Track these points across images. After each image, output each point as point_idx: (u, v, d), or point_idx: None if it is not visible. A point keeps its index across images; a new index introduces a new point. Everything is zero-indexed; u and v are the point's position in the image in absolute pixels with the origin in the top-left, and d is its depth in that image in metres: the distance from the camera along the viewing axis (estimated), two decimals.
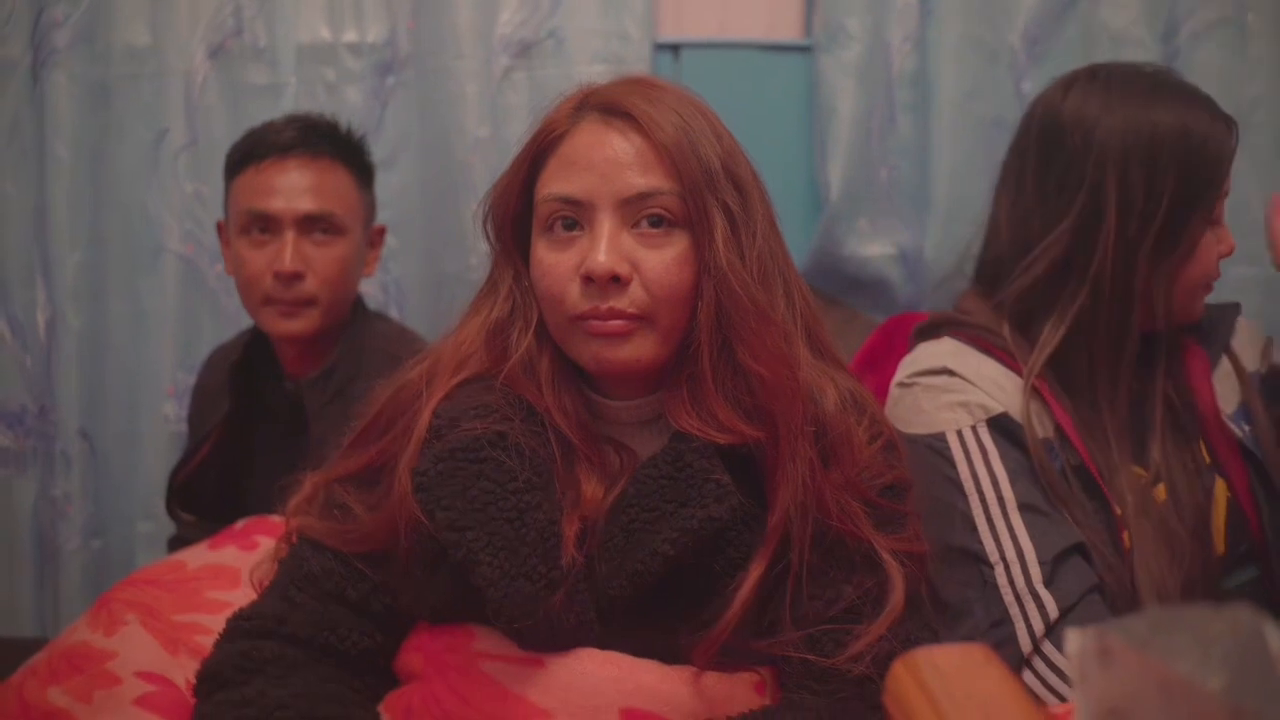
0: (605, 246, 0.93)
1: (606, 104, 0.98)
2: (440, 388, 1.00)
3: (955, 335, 1.25)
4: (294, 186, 1.57)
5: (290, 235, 1.56)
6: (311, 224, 1.57)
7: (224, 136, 1.94)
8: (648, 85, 1.01)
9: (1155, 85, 1.21)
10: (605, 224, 0.94)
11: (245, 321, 1.90)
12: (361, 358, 1.58)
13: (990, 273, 1.27)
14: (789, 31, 2.06)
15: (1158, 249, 1.17)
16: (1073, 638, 0.48)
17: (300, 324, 1.58)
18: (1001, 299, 1.23)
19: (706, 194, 0.94)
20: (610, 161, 0.95)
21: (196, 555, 1.40)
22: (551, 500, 0.95)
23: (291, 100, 1.93)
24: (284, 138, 1.59)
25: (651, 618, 0.95)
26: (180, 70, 1.94)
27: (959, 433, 1.16)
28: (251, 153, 1.59)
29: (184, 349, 1.96)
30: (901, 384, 1.24)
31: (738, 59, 2.01)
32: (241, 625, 1.01)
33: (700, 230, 0.95)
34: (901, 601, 0.94)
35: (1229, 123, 1.22)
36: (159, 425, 1.95)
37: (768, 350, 0.94)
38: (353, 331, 1.63)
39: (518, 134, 1.86)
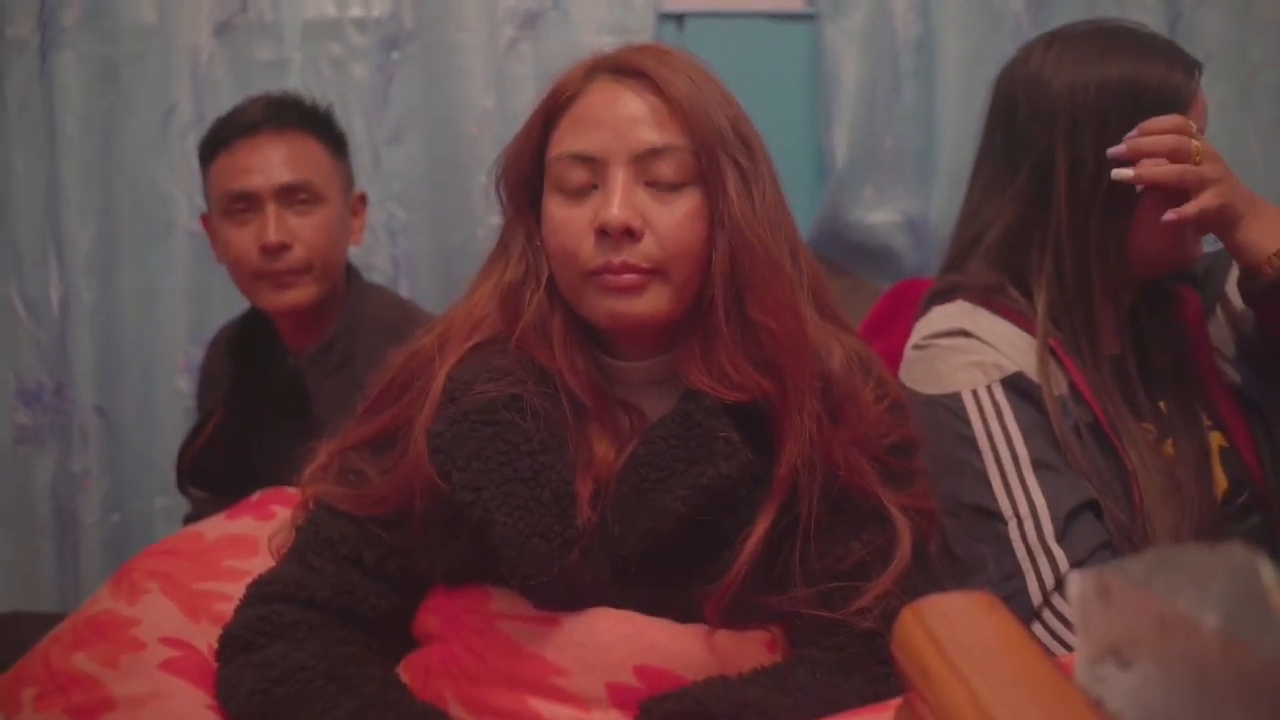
0: (619, 200, 0.95)
1: (619, 65, 1.00)
2: (454, 352, 1.01)
3: (968, 298, 1.25)
4: (267, 161, 1.58)
5: (271, 208, 1.57)
6: (290, 194, 1.59)
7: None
8: (658, 49, 1.03)
9: (1108, 40, 1.20)
10: (619, 179, 0.96)
11: None
12: (360, 329, 1.60)
13: (963, 247, 1.29)
14: (793, 0, 2.06)
15: (1108, 211, 1.17)
16: (1073, 579, 0.50)
17: (295, 294, 1.60)
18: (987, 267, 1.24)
19: (719, 150, 0.96)
20: (623, 118, 0.96)
21: (214, 526, 1.42)
22: (565, 461, 0.96)
23: (298, 76, 1.94)
24: (249, 117, 1.61)
25: (664, 575, 0.97)
26: (187, 47, 1.95)
27: (974, 392, 1.17)
28: (221, 138, 1.61)
29: (196, 323, 1.97)
30: (917, 346, 1.25)
31: (742, 28, 2.01)
32: (262, 590, 1.03)
33: (714, 185, 0.96)
34: (908, 555, 0.96)
35: (1190, 68, 1.19)
36: (173, 399, 1.97)
37: (779, 302, 0.96)
38: (350, 304, 1.65)
39: (524, 105, 1.90)
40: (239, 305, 1.89)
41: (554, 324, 1.01)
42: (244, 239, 1.59)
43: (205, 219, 1.69)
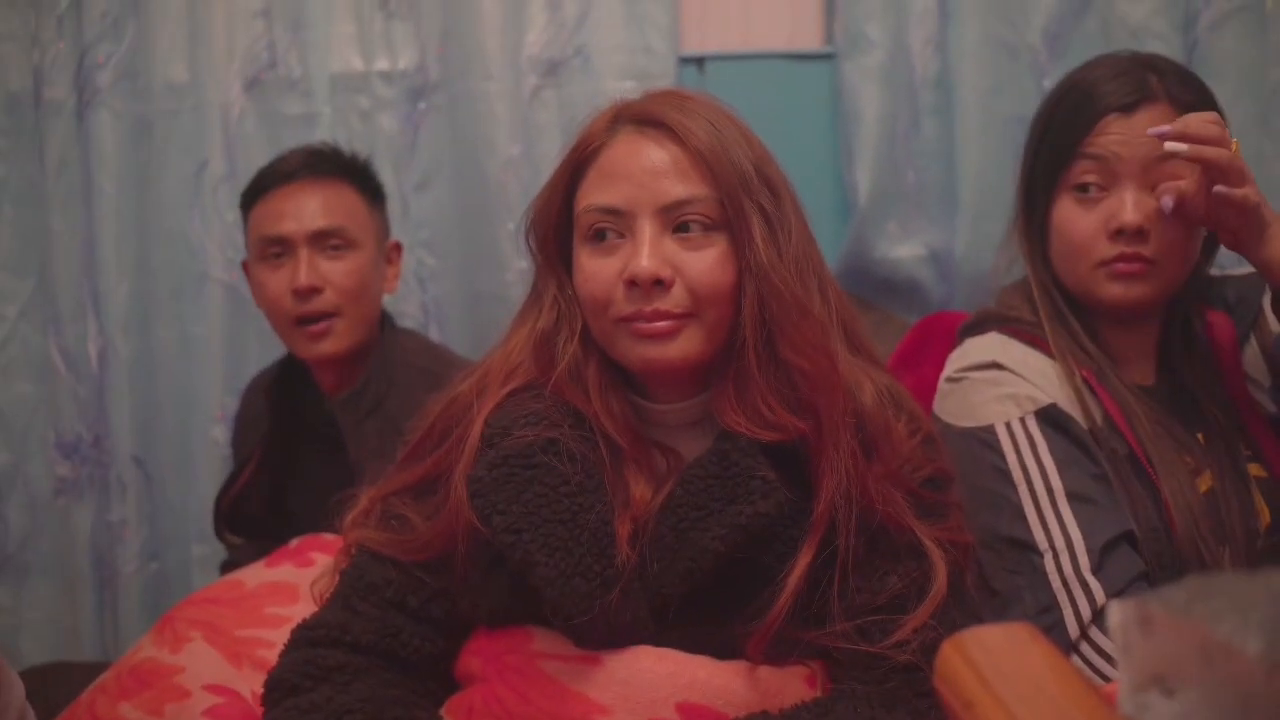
0: (648, 252, 0.97)
1: (640, 116, 1.02)
2: (491, 398, 1.03)
3: (1001, 329, 1.26)
4: (302, 207, 1.63)
5: (304, 252, 1.61)
6: (323, 239, 1.63)
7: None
8: (679, 96, 1.05)
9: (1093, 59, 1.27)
10: (646, 231, 0.98)
11: None
12: (393, 373, 1.63)
13: (997, 279, 1.37)
14: (811, 40, 2.08)
15: (1027, 222, 1.26)
16: (1114, 609, 0.50)
17: (329, 344, 1.63)
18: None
19: (742, 196, 0.98)
20: (647, 171, 0.98)
21: (254, 574, 1.43)
22: (603, 502, 0.98)
23: (327, 129, 1.98)
24: (288, 165, 1.66)
25: (704, 613, 0.98)
26: (218, 104, 1.99)
27: (1008, 424, 1.17)
28: (260, 186, 1.66)
29: (231, 373, 2.00)
30: (950, 379, 1.25)
31: (761, 69, 2.04)
32: (306, 635, 1.05)
33: (740, 231, 0.98)
34: (944, 587, 0.97)
35: (1131, 76, 1.20)
36: (210, 449, 1.99)
37: (809, 343, 0.97)
38: (383, 348, 1.67)
39: (549, 151, 1.93)
40: (273, 355, 1.92)
41: (589, 370, 1.03)
42: (278, 283, 1.62)
43: (246, 265, 1.73)
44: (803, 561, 0.95)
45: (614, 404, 1.03)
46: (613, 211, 0.99)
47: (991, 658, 0.58)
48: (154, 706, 1.14)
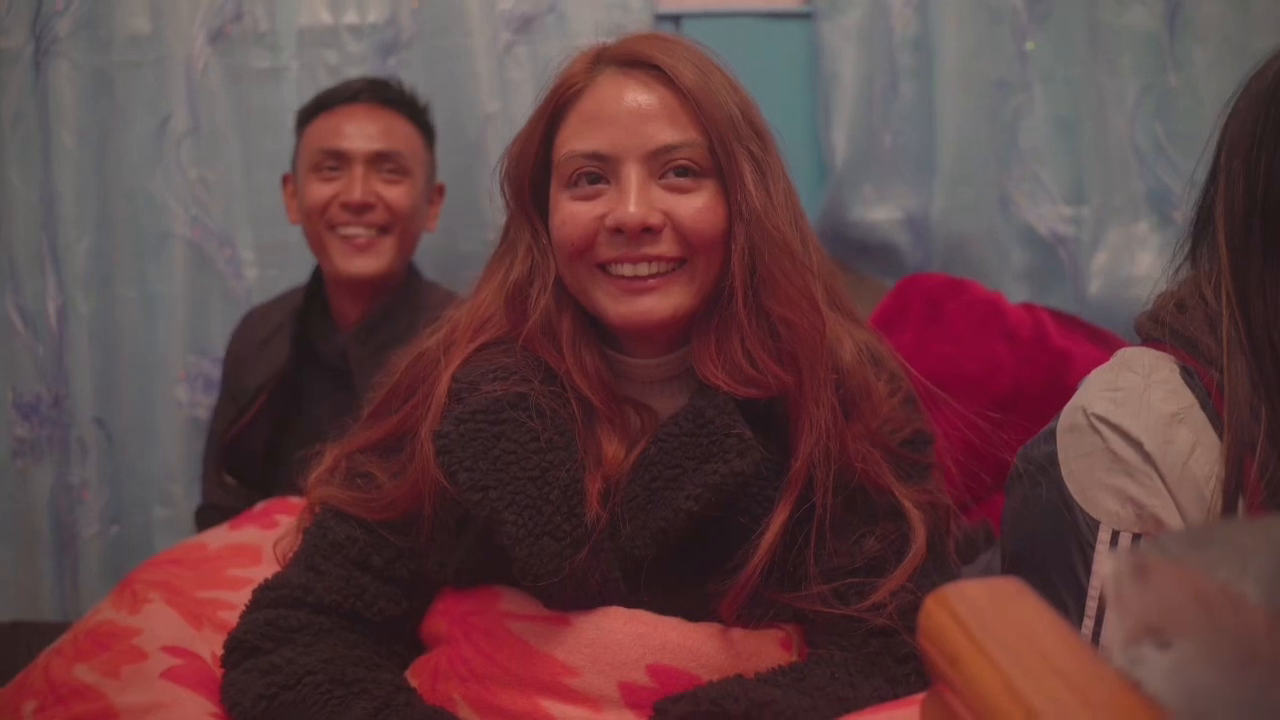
0: (635, 198, 0.94)
1: (625, 56, 0.98)
2: (459, 353, 1.00)
3: (1178, 355, 0.94)
4: (363, 129, 1.66)
5: (360, 170, 1.65)
6: (380, 161, 1.67)
7: (226, 122, 1.95)
8: (663, 38, 1.01)
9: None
10: (632, 176, 0.94)
11: (255, 303, 1.90)
12: (413, 317, 1.60)
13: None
14: None
15: (1240, 257, 0.90)
16: (1108, 560, 0.48)
17: (368, 259, 1.65)
18: None
19: (733, 141, 0.95)
20: (634, 114, 0.95)
21: (217, 536, 1.41)
22: (574, 459, 0.95)
23: (294, 84, 1.93)
24: (352, 88, 1.71)
25: (677, 574, 0.96)
26: (181, 56, 1.93)
27: (1115, 533, 0.91)
28: (321, 103, 1.70)
29: (194, 333, 1.96)
30: (1089, 415, 0.94)
31: (738, 27, 2.01)
32: (268, 595, 1.02)
33: (730, 176, 0.95)
34: (923, 549, 0.94)
35: None
36: (172, 410, 1.95)
37: (798, 293, 0.94)
38: (404, 289, 1.69)
39: (522, 108, 1.88)
40: (236, 316, 1.88)
41: (562, 325, 1.00)
42: (325, 192, 1.65)
43: (287, 178, 1.77)
44: (778, 519, 0.93)
45: (587, 359, 1.00)
46: (596, 157, 0.96)
47: (977, 612, 0.56)
48: (110, 668, 1.11)
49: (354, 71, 1.95)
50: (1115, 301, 1.95)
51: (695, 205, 0.95)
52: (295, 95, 1.92)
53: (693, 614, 0.96)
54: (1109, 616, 0.49)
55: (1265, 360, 0.87)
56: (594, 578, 0.94)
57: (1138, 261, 1.99)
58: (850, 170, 1.97)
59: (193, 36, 1.94)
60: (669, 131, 0.94)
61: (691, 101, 0.94)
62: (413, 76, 1.95)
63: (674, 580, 0.96)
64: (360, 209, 1.63)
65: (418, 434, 0.99)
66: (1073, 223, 2.01)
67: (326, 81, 1.93)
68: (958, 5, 1.95)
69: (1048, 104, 1.99)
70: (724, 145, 0.94)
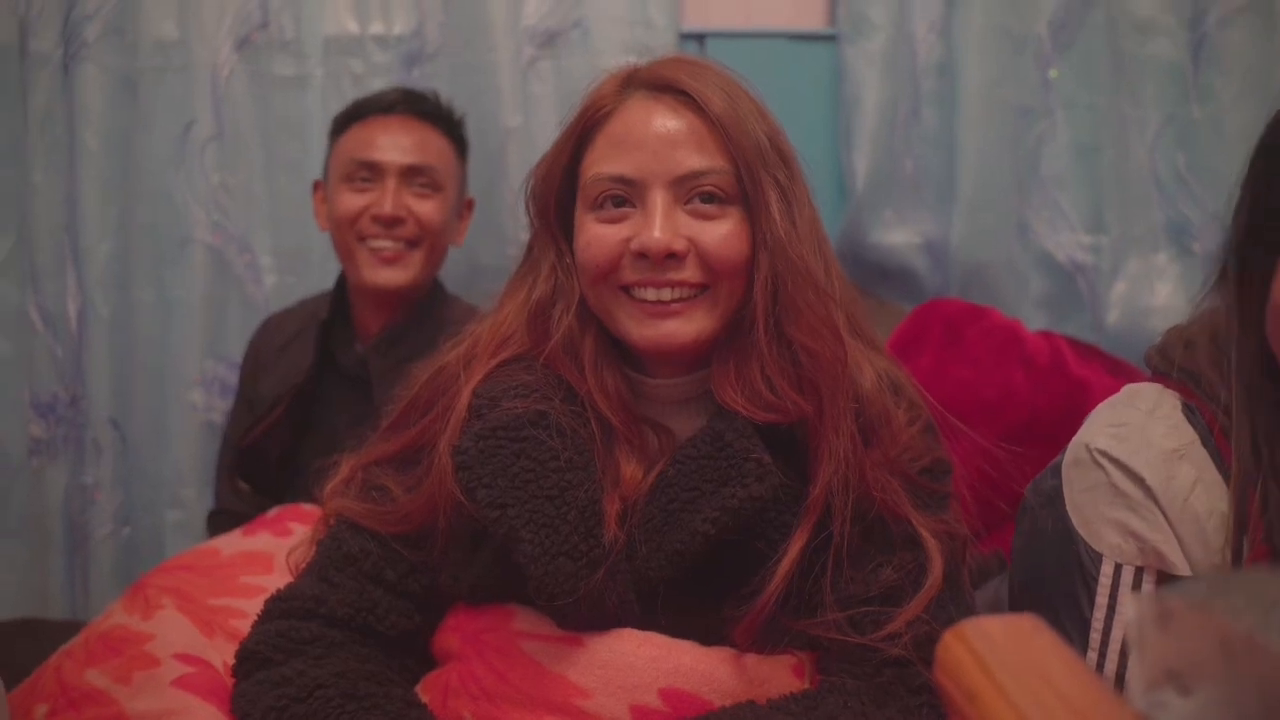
0: (660, 223, 0.94)
1: (654, 81, 0.98)
2: (480, 368, 1.00)
3: (1184, 391, 0.95)
4: (398, 140, 1.67)
5: (392, 183, 1.65)
6: (413, 175, 1.67)
7: (250, 128, 1.97)
8: (692, 63, 1.01)
9: None
10: (658, 201, 0.94)
11: (272, 309, 1.91)
12: (435, 332, 1.60)
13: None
14: (814, 21, 2.06)
15: (1242, 283, 0.89)
16: (1131, 603, 0.48)
17: (394, 272, 1.65)
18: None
19: (759, 169, 0.95)
20: (661, 139, 0.95)
21: (230, 543, 1.41)
22: (592, 479, 0.95)
23: (318, 92, 1.95)
24: (388, 99, 1.71)
25: (693, 597, 0.96)
26: (207, 63, 1.95)
27: (1118, 566, 0.93)
28: (358, 112, 1.71)
29: (211, 337, 1.97)
30: (1093, 451, 0.95)
31: (763, 49, 2.01)
32: (280, 606, 1.02)
33: (756, 204, 0.95)
34: (940, 579, 0.94)
35: None
36: (187, 413, 1.96)
37: (820, 322, 0.94)
38: (427, 302, 1.70)
39: (544, 124, 1.89)
40: (254, 321, 1.89)
41: (584, 344, 1.00)
42: (357, 203, 1.65)
43: (318, 185, 1.77)
44: (795, 547, 0.93)
45: (608, 380, 1.00)
46: (623, 180, 0.96)
47: (995, 649, 0.56)
48: (122, 674, 1.11)
49: (379, 82, 1.96)
50: (1133, 331, 1.94)
51: (720, 232, 0.95)
52: (319, 104, 1.93)
53: (707, 638, 0.96)
54: (1131, 660, 0.49)
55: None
56: (610, 599, 0.94)
57: (1156, 292, 1.98)
58: (871, 194, 1.97)
59: (219, 43, 1.95)
60: (696, 158, 0.94)
61: (719, 128, 0.94)
62: (436, 88, 1.95)
63: (689, 603, 0.96)
64: (391, 222, 1.64)
65: (435, 447, 0.99)
66: (1092, 251, 2.00)
67: (351, 91, 1.95)
68: (981, 32, 1.95)
69: (1069, 132, 1.99)
70: (750, 173, 0.94)
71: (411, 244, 1.65)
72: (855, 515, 0.94)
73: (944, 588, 0.94)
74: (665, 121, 0.95)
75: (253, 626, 1.02)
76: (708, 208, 0.95)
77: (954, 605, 0.96)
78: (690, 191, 0.95)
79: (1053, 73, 1.97)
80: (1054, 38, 1.97)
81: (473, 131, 1.92)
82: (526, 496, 0.92)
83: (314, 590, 1.01)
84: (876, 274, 2.01)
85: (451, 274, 1.93)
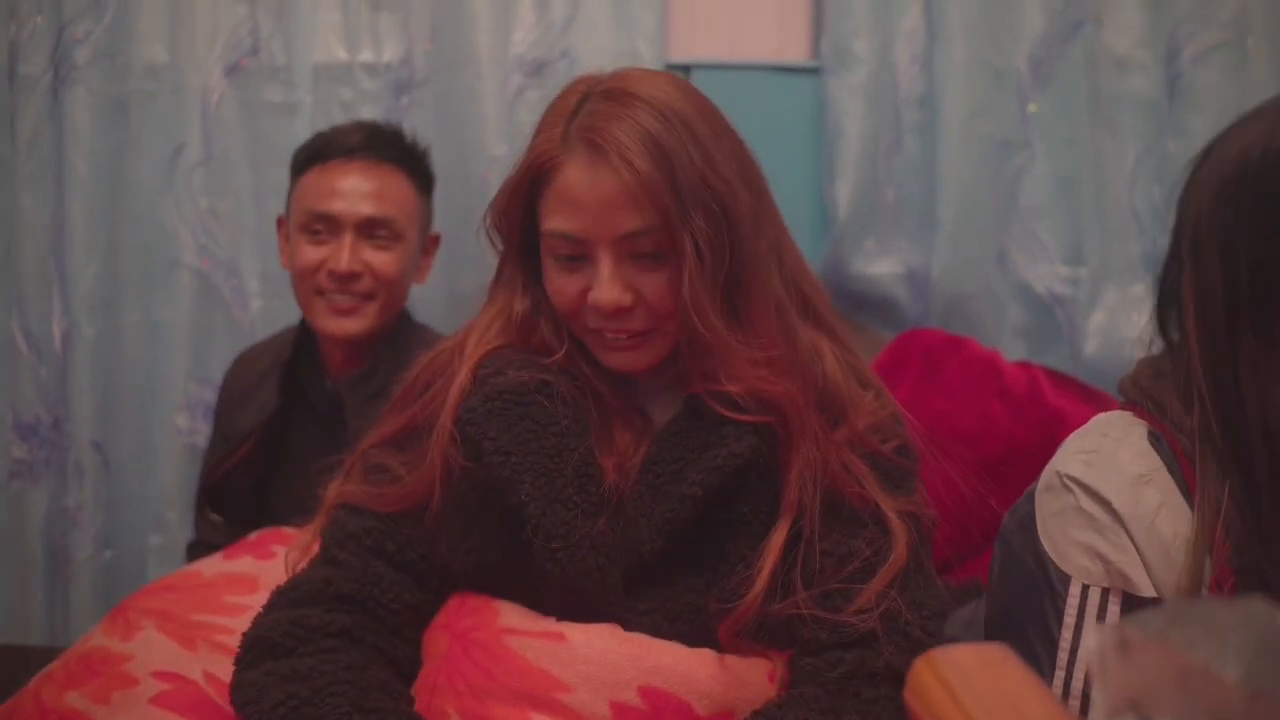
0: (607, 282, 0.99)
1: (589, 138, 0.99)
2: (477, 351, 1.06)
3: (1153, 422, 0.97)
4: (356, 190, 1.61)
5: (349, 237, 1.60)
6: (371, 227, 1.62)
7: (239, 153, 1.98)
8: (623, 100, 0.99)
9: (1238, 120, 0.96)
10: (606, 260, 0.99)
11: (258, 334, 1.92)
12: (405, 361, 1.60)
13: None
14: (798, 53, 2.09)
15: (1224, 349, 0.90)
16: (1092, 634, 0.49)
17: (351, 323, 1.62)
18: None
19: (679, 226, 0.97)
20: (601, 202, 0.98)
21: (211, 565, 1.41)
22: (587, 445, 1.01)
23: (307, 119, 1.95)
24: (350, 141, 1.64)
25: (678, 587, 1.00)
26: (197, 88, 1.96)
27: (1085, 587, 0.95)
28: (318, 153, 1.64)
29: (197, 361, 1.97)
30: (1063, 476, 0.98)
31: (747, 80, 2.04)
32: (287, 595, 1.04)
33: (678, 260, 0.98)
34: (904, 556, 0.98)
35: None
36: (171, 437, 1.96)
37: (744, 371, 0.99)
38: (397, 336, 1.67)
39: None
40: (240, 345, 1.90)
41: (566, 349, 1.06)
42: (314, 256, 1.61)
43: (281, 221, 1.72)
44: (775, 546, 0.98)
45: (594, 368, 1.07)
46: (573, 239, 1.00)
47: (965, 677, 0.57)
48: (101, 695, 1.12)
49: (367, 109, 1.98)
50: (1111, 362, 1.97)
51: (658, 284, 1.00)
52: (308, 129, 1.94)
53: (693, 624, 1.00)
54: (1094, 689, 0.50)
55: (1240, 439, 0.89)
56: (591, 580, 0.98)
57: (1134, 323, 2.00)
58: (853, 224, 1.99)
59: (210, 68, 1.97)
60: (633, 218, 0.97)
61: (642, 190, 0.96)
62: (423, 115, 1.98)
63: (675, 592, 1.00)
64: (347, 278, 1.60)
65: (434, 424, 1.03)
66: (1070, 283, 2.03)
67: (340, 117, 1.96)
68: (963, 65, 1.98)
69: (1048, 164, 2.02)
70: (671, 231, 0.97)
71: (367, 297, 1.63)
72: (824, 504, 0.99)
73: (908, 564, 0.99)
74: (604, 183, 0.97)
75: (257, 618, 1.04)
76: (647, 261, 1.00)
77: (918, 581, 1.00)
78: (633, 247, 0.99)
79: (1032, 106, 2.01)
80: (1034, 72, 2.01)
81: (457, 159, 1.94)
82: (528, 451, 0.99)
83: (320, 573, 1.04)
84: (858, 303, 2.04)
85: (432, 304, 1.94)
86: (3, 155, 1.95)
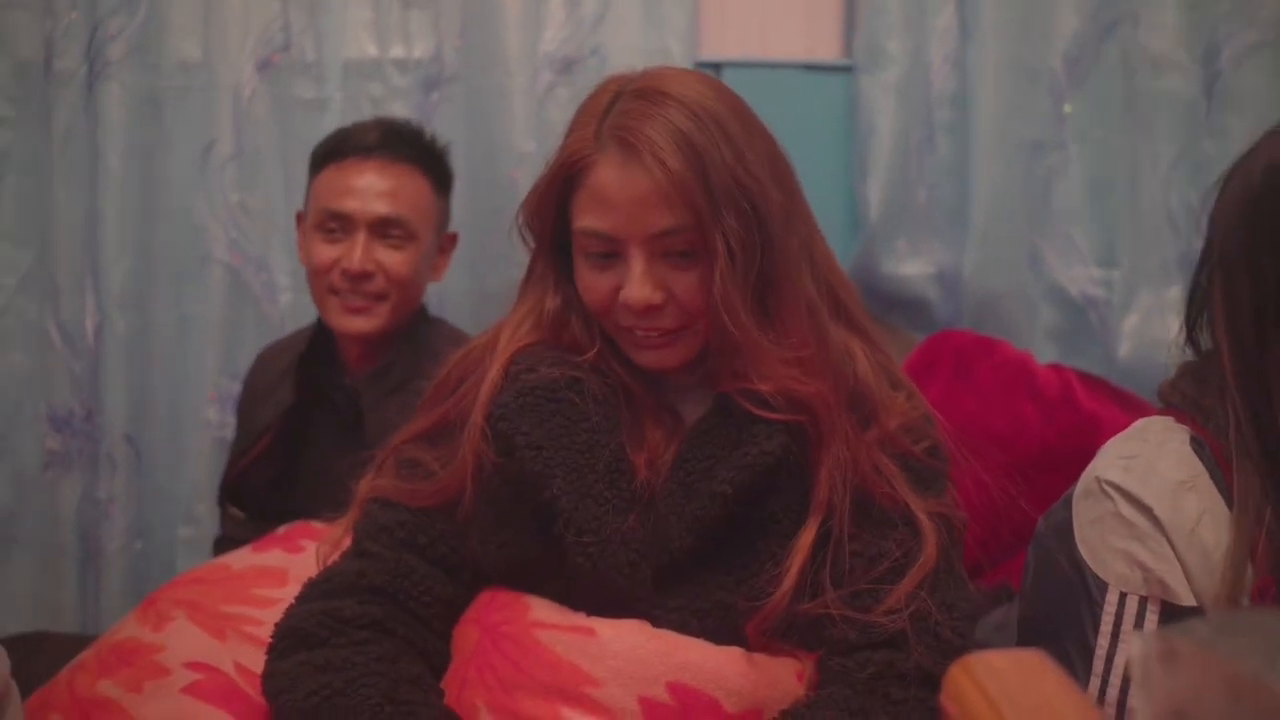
0: (638, 281, 0.99)
1: (621, 136, 0.99)
2: (509, 348, 1.06)
3: (1195, 427, 0.96)
4: (371, 189, 1.61)
5: (362, 236, 1.60)
6: (385, 227, 1.61)
7: (270, 149, 1.99)
8: (656, 99, 0.99)
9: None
10: (637, 258, 1.00)
11: (288, 328, 1.93)
12: (421, 357, 1.60)
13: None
14: (829, 52, 2.08)
15: (1250, 358, 0.90)
16: (1137, 641, 0.49)
17: (364, 321, 1.62)
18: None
19: (710, 225, 0.97)
20: (633, 200, 0.98)
21: (241, 558, 1.42)
22: (618, 442, 1.02)
23: (338, 115, 1.96)
24: (368, 139, 1.63)
25: (707, 584, 1.00)
26: (229, 84, 1.97)
27: (1123, 595, 0.93)
28: (335, 150, 1.64)
29: (227, 356, 1.98)
30: (1102, 482, 0.96)
31: (779, 78, 2.03)
32: (320, 587, 1.05)
33: (710, 258, 0.99)
34: (934, 557, 0.98)
35: None
36: (201, 430, 1.98)
37: (775, 371, 0.99)
38: (413, 331, 1.67)
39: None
40: (270, 338, 1.90)
41: (598, 347, 1.07)
42: (328, 255, 1.61)
43: (300, 216, 1.72)
44: (804, 544, 0.98)
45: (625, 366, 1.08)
46: (606, 237, 1.01)
47: (1002, 683, 0.56)
48: (133, 684, 1.13)
49: (397, 105, 1.98)
50: (1145, 365, 1.95)
51: (689, 282, 1.00)
52: (338, 125, 1.94)
53: (719, 630, 1.00)
54: (1136, 698, 0.49)
55: (1274, 450, 0.89)
56: (621, 575, 0.99)
57: (1168, 327, 1.98)
58: (884, 224, 1.98)
59: (241, 65, 1.98)
60: (665, 217, 0.98)
61: (675, 189, 0.96)
62: (453, 112, 1.98)
63: (705, 589, 1.00)
64: (359, 277, 1.60)
65: (466, 419, 1.04)
66: (1104, 285, 2.01)
67: (370, 113, 1.97)
68: (996, 64, 1.97)
69: (1082, 165, 2.01)
70: (704, 230, 0.97)
71: (379, 297, 1.62)
72: (854, 505, 0.99)
73: (938, 566, 0.99)
74: (636, 182, 0.98)
75: (290, 608, 1.05)
76: (680, 259, 1.00)
77: (949, 584, 1.00)
78: (664, 246, 1.00)
79: (1067, 107, 1.99)
80: (1068, 72, 1.99)
81: (486, 155, 1.95)
82: (559, 446, 1.00)
83: (353, 566, 1.05)
84: (889, 303, 2.03)
85: (459, 300, 1.95)
86: (37, 150, 1.96)
